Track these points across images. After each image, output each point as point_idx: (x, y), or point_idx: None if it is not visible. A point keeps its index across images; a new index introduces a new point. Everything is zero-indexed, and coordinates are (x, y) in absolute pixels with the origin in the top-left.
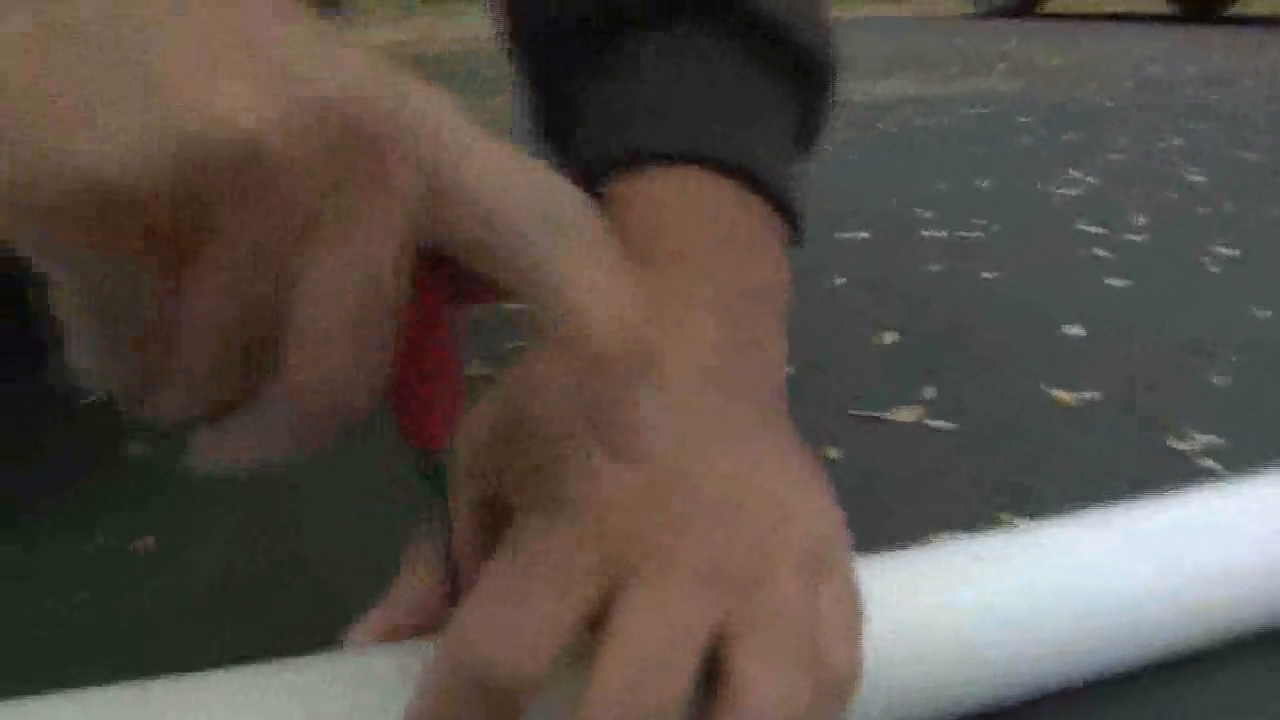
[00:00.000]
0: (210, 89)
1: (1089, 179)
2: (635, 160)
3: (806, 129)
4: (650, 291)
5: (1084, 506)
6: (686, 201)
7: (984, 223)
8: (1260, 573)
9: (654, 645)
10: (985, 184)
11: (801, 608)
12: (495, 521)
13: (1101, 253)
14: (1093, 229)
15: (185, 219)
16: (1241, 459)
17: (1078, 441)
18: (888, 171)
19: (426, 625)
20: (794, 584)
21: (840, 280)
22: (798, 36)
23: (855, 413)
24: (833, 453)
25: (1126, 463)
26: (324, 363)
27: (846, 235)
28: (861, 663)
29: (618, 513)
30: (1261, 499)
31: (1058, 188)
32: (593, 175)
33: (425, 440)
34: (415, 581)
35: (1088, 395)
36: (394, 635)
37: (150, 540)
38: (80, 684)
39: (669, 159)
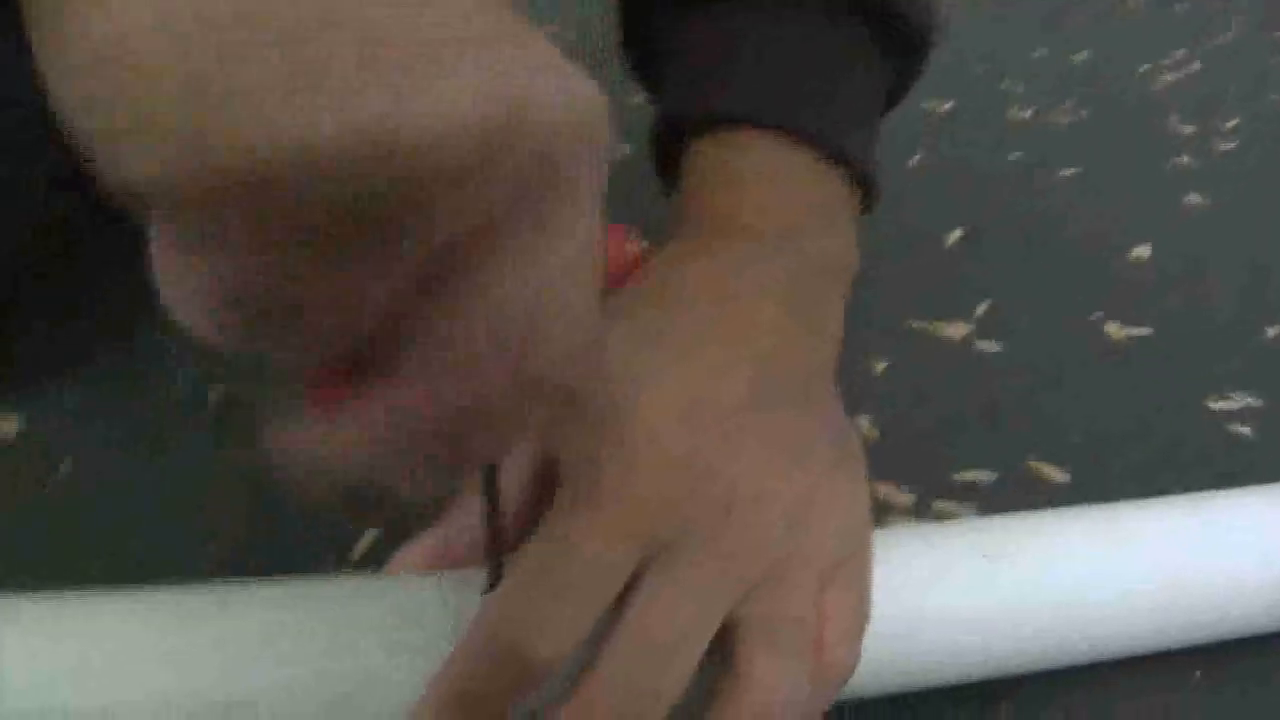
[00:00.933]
0: (436, 77)
1: (1191, 65)
2: (724, 120)
3: (893, 98)
4: (720, 266)
5: (1110, 464)
6: (767, 173)
7: (1072, 105)
8: (1249, 590)
9: (663, 631)
10: (1082, 57)
11: (810, 605)
12: (542, 487)
13: (1186, 159)
14: (1184, 128)
15: (379, 213)
16: (1277, 426)
17: (1118, 386)
18: (982, 30)
19: (470, 557)
20: (809, 576)
21: (916, 159)
22: (900, 7)
23: (908, 324)
24: (878, 366)
25: (1160, 418)
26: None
27: (930, 104)
28: (858, 659)
29: (650, 501)
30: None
31: (1156, 71)
32: (678, 124)
33: None
34: (464, 513)
35: (1138, 332)
36: (438, 563)
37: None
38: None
39: (757, 123)
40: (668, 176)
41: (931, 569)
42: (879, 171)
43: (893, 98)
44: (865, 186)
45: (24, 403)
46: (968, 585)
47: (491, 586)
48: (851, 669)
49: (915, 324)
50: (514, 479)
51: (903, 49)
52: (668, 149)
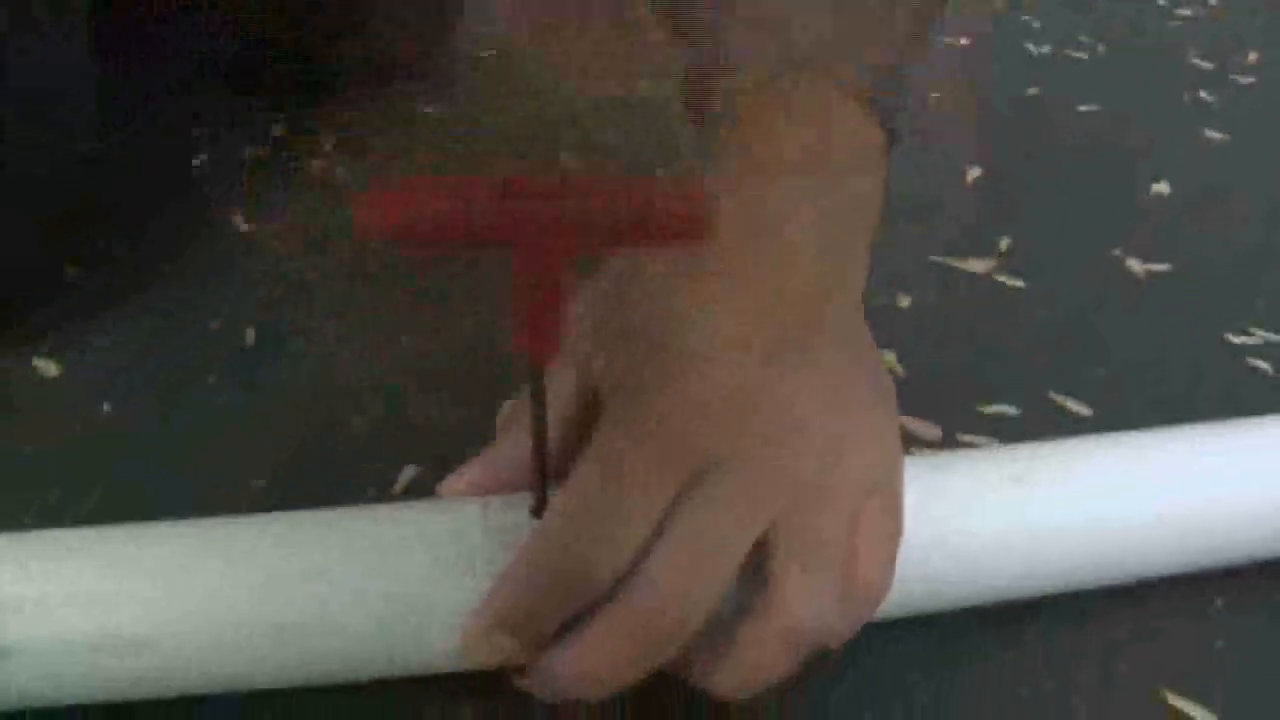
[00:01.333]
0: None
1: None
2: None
3: (919, 41)
4: (757, 203)
5: (1131, 398)
6: (803, 113)
7: (1090, 41)
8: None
9: (700, 543)
10: None
11: (843, 527)
12: (585, 415)
13: (1205, 95)
14: (1202, 64)
15: None
16: None
17: (1138, 320)
18: None
19: (519, 484)
20: (841, 504)
21: (935, 95)
22: None
23: (931, 259)
24: (903, 301)
25: (1179, 352)
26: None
27: (948, 39)
28: (891, 581)
29: (696, 422)
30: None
31: (1175, 6)
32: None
33: (535, 348)
34: (512, 441)
35: (1158, 267)
36: (488, 490)
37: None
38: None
39: (789, 65)
40: (698, 114)
41: (959, 492)
42: (906, 118)
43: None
44: (891, 130)
45: (61, 347)
46: (994, 507)
47: (537, 511)
48: (885, 590)
49: (938, 260)
50: (559, 407)
51: None
52: (701, 88)
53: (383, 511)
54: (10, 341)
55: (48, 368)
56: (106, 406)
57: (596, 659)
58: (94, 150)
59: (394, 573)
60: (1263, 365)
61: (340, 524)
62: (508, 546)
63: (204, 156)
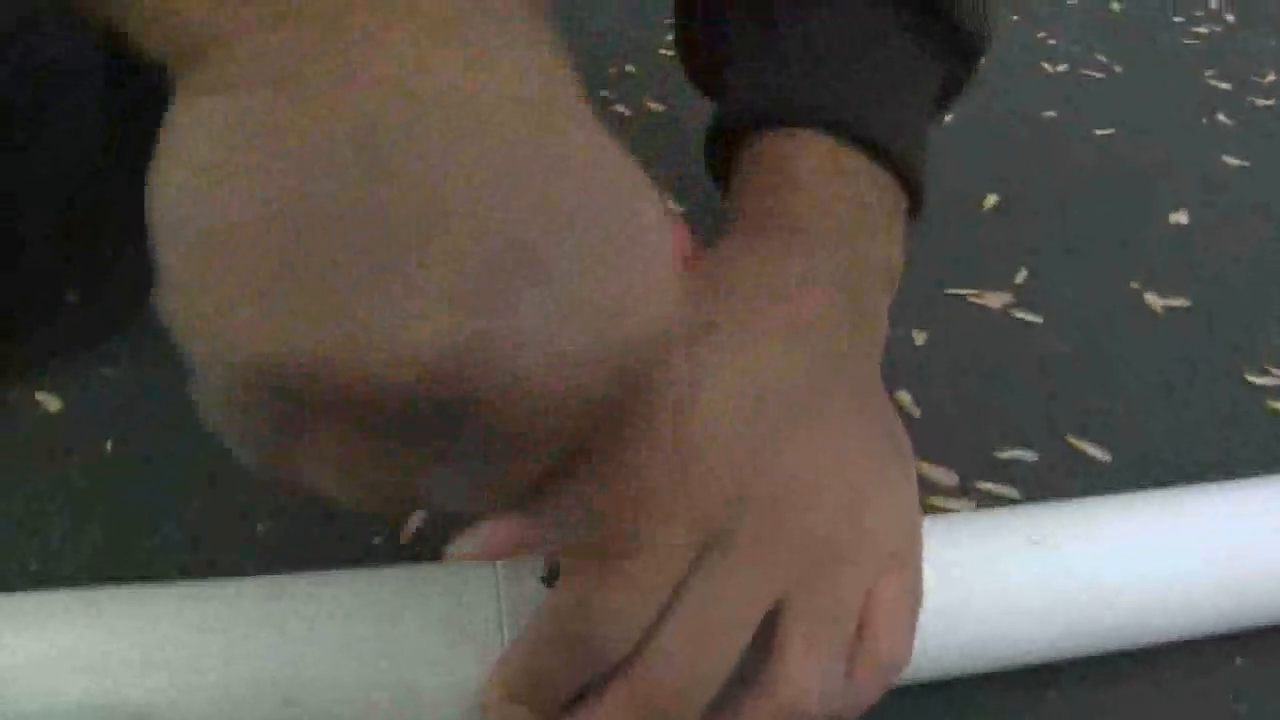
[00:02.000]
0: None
1: (1226, 16)
2: (781, 120)
3: (943, 104)
4: (775, 263)
5: (1150, 441)
6: (823, 174)
7: (1107, 60)
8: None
9: (713, 618)
10: (1118, 7)
11: (856, 599)
12: None
13: (1223, 119)
14: (1220, 84)
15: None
16: None
17: (1157, 360)
18: None
19: (530, 546)
20: (856, 575)
21: (949, 117)
22: (957, 14)
23: (948, 292)
24: (919, 338)
25: (1198, 394)
26: None
27: None
28: (909, 653)
29: (710, 491)
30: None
31: (1191, 24)
32: (735, 123)
33: None
34: None
35: (1177, 303)
36: (499, 553)
37: None
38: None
39: (815, 126)
40: (722, 174)
41: (978, 556)
42: (926, 180)
43: (942, 104)
44: (913, 192)
45: (62, 382)
46: (1013, 571)
47: (549, 577)
48: (903, 664)
49: (955, 293)
50: None
51: (957, 56)
52: (724, 148)
53: (393, 576)
54: (14, 365)
55: (50, 401)
56: (109, 445)
57: None
58: (96, 172)
59: (405, 645)
60: None
61: (350, 589)
62: (520, 616)
63: None
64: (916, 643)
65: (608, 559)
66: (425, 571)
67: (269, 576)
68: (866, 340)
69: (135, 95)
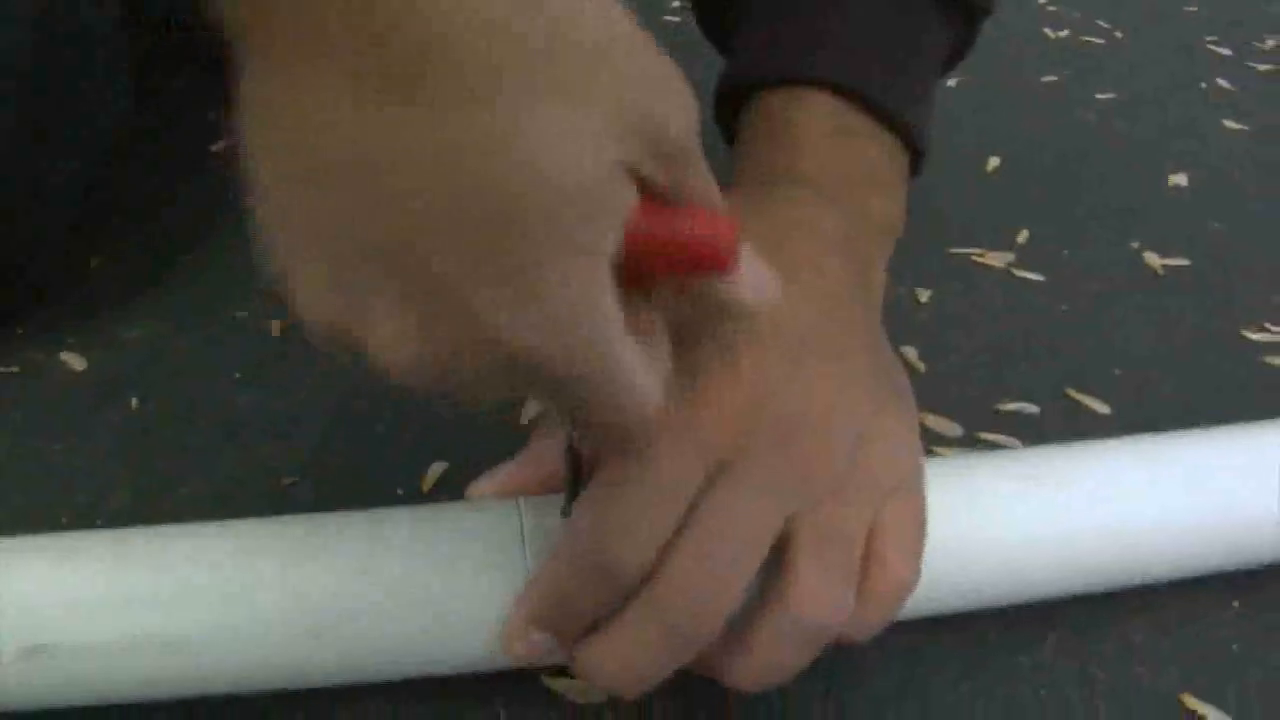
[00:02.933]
0: None
1: None
2: (788, 80)
3: (950, 65)
4: (779, 213)
5: (1149, 395)
6: (829, 131)
7: (1108, 26)
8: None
9: (725, 538)
10: None
11: (864, 523)
12: None
13: (1223, 83)
14: (1219, 49)
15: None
16: None
17: (1156, 317)
18: None
19: (549, 486)
20: (863, 500)
21: (952, 80)
22: None
23: (951, 251)
24: (923, 296)
25: (1196, 350)
26: None
27: None
28: (918, 575)
29: (722, 421)
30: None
31: None
32: (745, 81)
33: None
34: (544, 445)
35: (1176, 262)
36: (518, 491)
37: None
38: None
39: (820, 84)
40: (729, 129)
41: (979, 493)
42: (928, 140)
43: (947, 66)
44: (915, 152)
45: (87, 341)
46: (1014, 508)
47: (568, 509)
48: (913, 584)
49: (958, 252)
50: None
51: (963, 19)
52: (733, 103)
53: (417, 513)
54: (39, 328)
55: (75, 361)
56: (134, 401)
57: (627, 654)
58: (119, 134)
59: (430, 574)
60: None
61: (375, 526)
62: (540, 547)
63: (225, 142)
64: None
65: (623, 485)
66: (449, 509)
67: (296, 515)
68: (866, 287)
69: (160, 62)
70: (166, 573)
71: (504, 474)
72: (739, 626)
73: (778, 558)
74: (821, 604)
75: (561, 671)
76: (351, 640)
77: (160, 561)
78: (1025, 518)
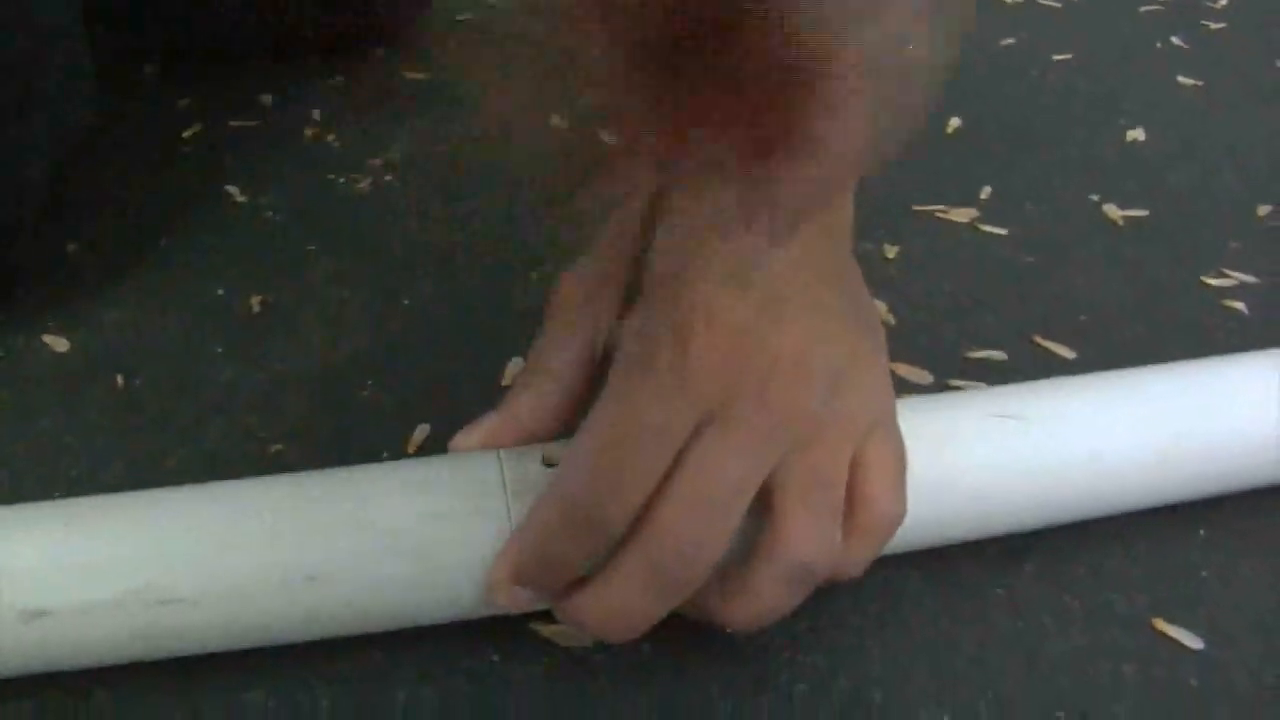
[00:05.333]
0: None
1: None
2: None
3: None
4: None
5: (1114, 340)
6: None
7: None
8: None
9: (712, 488)
10: None
11: (844, 462)
12: (598, 367)
13: (1177, 41)
14: (1173, 9)
15: None
16: (1273, 303)
17: (1117, 266)
18: None
19: (532, 437)
20: (842, 440)
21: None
22: None
23: (915, 208)
24: (890, 252)
25: (1158, 296)
26: None
27: None
28: (904, 508)
29: (704, 370)
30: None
31: None
32: None
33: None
34: (526, 396)
35: (1136, 213)
36: (501, 444)
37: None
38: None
39: None
40: None
41: (950, 429)
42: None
43: None
44: None
45: (68, 323)
46: (984, 442)
47: (549, 461)
48: (899, 517)
49: (923, 209)
50: (571, 359)
51: None
52: None
53: (400, 467)
54: (18, 314)
55: (58, 343)
56: (119, 379)
57: (615, 602)
58: (88, 122)
59: (415, 523)
60: (1239, 306)
61: (360, 479)
62: (524, 494)
63: (196, 128)
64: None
65: (608, 435)
66: (432, 462)
67: (282, 474)
68: (840, 221)
69: (118, 61)
70: (160, 532)
71: (486, 426)
72: (729, 572)
73: (764, 503)
74: (811, 545)
75: (552, 618)
76: (343, 588)
77: (154, 522)
78: (997, 451)
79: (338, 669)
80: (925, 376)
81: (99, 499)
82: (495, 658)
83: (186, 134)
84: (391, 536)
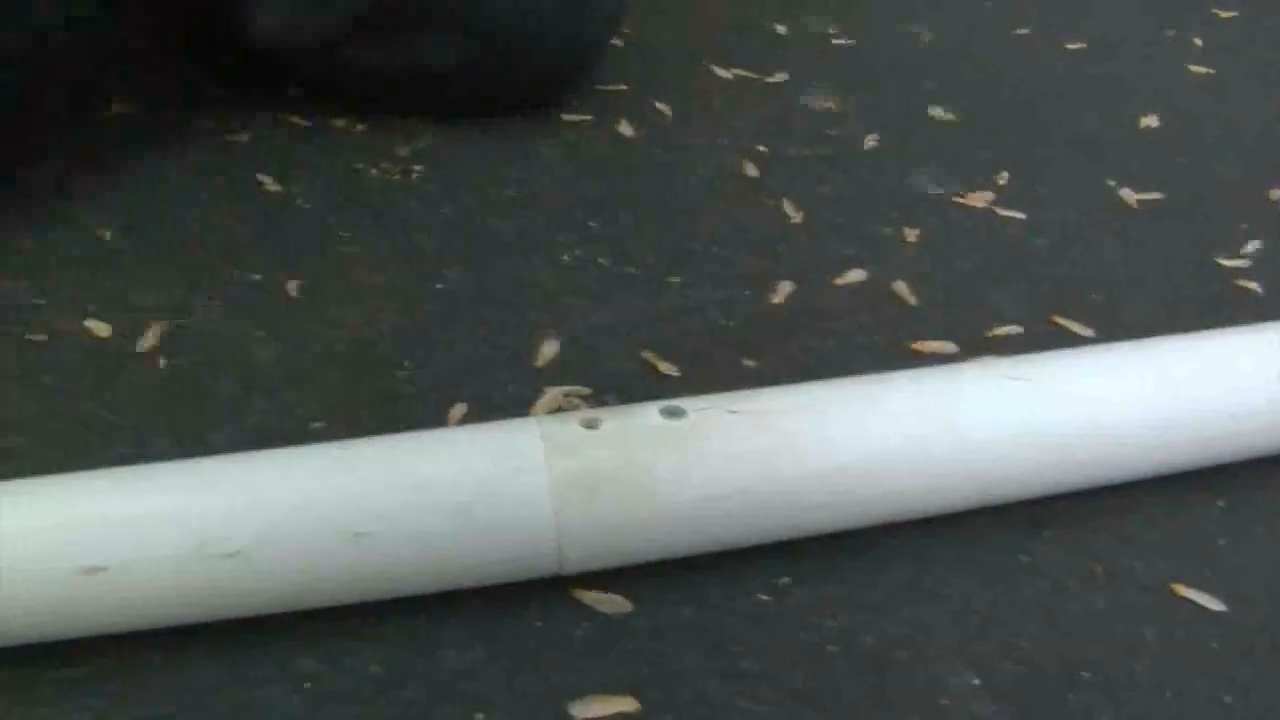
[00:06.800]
0: None
1: None
2: None
3: None
4: None
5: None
6: None
7: None
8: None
9: None
10: None
11: None
12: None
13: (1188, 31)
14: (1184, 0)
15: None
16: None
17: (1134, 247)
18: None
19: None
20: None
21: (931, 35)
22: None
23: (934, 193)
24: (910, 235)
25: (1173, 275)
26: None
27: None
28: None
29: None
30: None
31: None
32: None
33: None
34: None
35: (1151, 196)
36: None
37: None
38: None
39: None
40: None
41: (968, 395)
42: None
43: None
44: None
45: (108, 308)
46: (1002, 408)
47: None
48: None
49: (940, 195)
50: None
51: None
52: None
53: (445, 433)
54: (59, 299)
55: (99, 328)
56: (162, 361)
57: None
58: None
59: (459, 482)
60: (1252, 285)
61: (406, 443)
62: (563, 457)
63: (227, 118)
64: (912, 479)
65: None
66: (471, 429)
67: (336, 441)
68: None
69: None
70: (214, 491)
71: None
72: None
73: None
74: None
75: (592, 583)
76: (390, 544)
77: (207, 482)
78: (1018, 417)
79: (384, 633)
80: (950, 348)
81: (153, 465)
82: (538, 623)
83: (218, 124)
84: (435, 494)
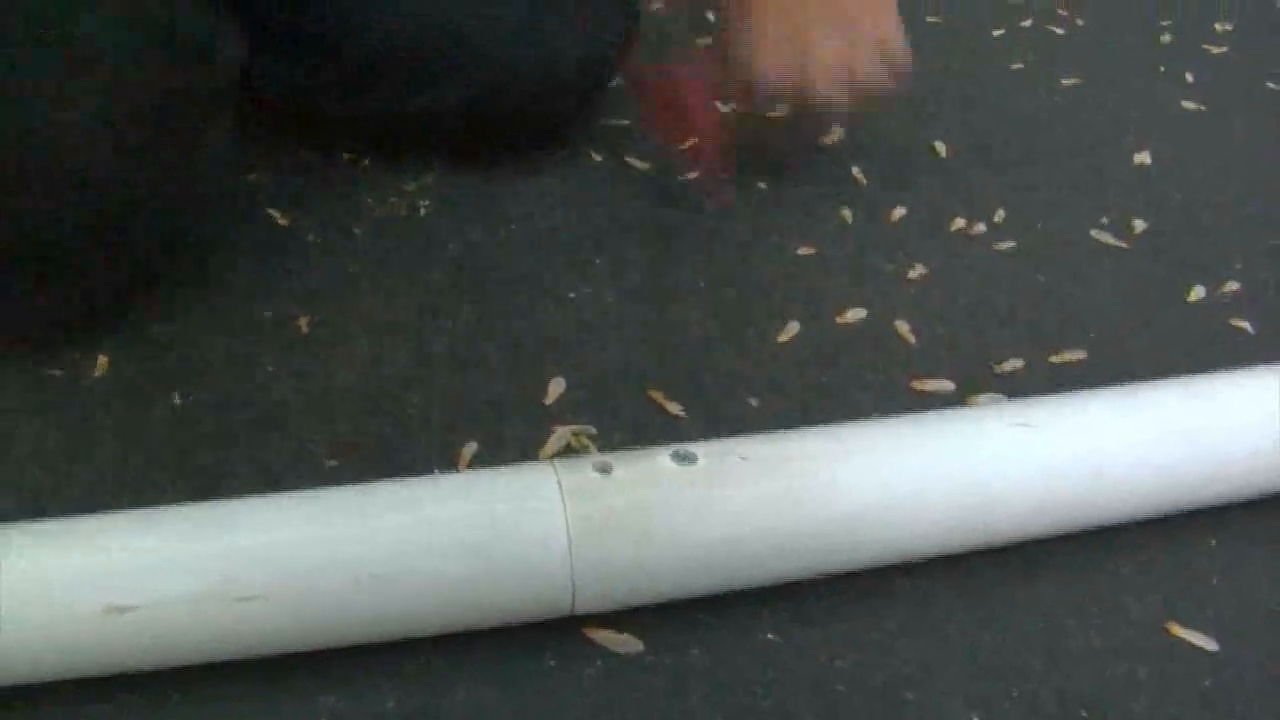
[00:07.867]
0: None
1: None
2: None
3: None
4: None
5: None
6: None
7: (1067, 15)
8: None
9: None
10: None
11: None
12: None
13: (1180, 67)
14: (1176, 34)
15: None
16: (1276, 320)
17: (1129, 281)
18: None
19: None
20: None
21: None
22: None
23: (931, 229)
24: (911, 272)
25: (1165, 311)
26: None
27: (934, 19)
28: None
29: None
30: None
31: None
32: None
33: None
34: None
35: (1144, 232)
36: None
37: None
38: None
39: None
40: None
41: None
42: None
43: None
44: None
45: (122, 344)
46: (1006, 455)
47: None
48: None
49: (938, 231)
50: None
51: None
52: None
53: (461, 476)
54: (74, 337)
55: (114, 363)
56: (175, 398)
57: None
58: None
59: (475, 523)
60: (1243, 324)
61: (423, 487)
62: (578, 500)
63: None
64: (923, 520)
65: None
66: (489, 473)
67: (347, 485)
68: None
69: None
70: (236, 534)
71: None
72: None
73: None
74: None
75: (604, 623)
76: (407, 585)
77: (229, 525)
78: (1018, 462)
79: (402, 671)
80: (948, 386)
81: (176, 508)
82: (551, 661)
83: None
84: (451, 535)
